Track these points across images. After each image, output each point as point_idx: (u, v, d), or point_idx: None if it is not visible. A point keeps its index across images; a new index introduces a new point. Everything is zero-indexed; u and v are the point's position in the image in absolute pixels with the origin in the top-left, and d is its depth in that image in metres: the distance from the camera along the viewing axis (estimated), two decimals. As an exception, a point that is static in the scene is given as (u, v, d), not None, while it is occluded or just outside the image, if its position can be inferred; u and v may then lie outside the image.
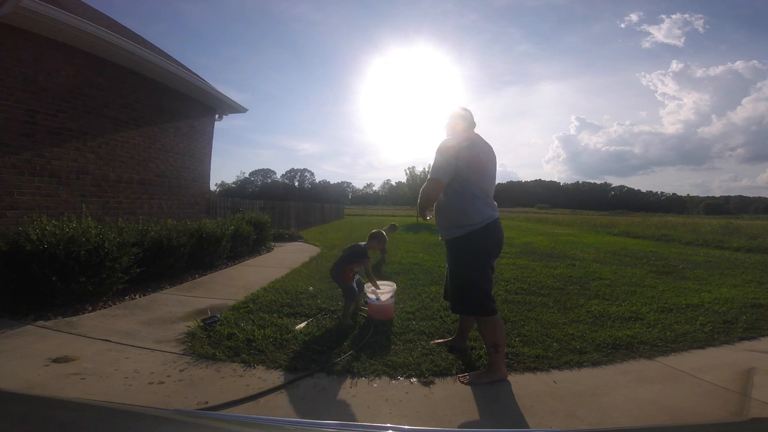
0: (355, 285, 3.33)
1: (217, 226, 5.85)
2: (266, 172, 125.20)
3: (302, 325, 3.09)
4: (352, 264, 3.34)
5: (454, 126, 2.47)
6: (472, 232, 2.25)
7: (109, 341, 2.71)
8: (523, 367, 2.40)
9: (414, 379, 2.24)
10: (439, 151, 2.28)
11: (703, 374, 2.33)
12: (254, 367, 2.35)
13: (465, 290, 2.28)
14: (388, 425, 1.48)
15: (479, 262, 2.27)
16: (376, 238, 3.54)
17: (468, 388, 2.16)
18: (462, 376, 2.26)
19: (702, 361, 2.57)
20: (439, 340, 2.78)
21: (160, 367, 2.32)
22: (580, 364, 2.46)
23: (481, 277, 2.27)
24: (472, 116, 2.49)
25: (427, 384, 2.18)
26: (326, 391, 2.10)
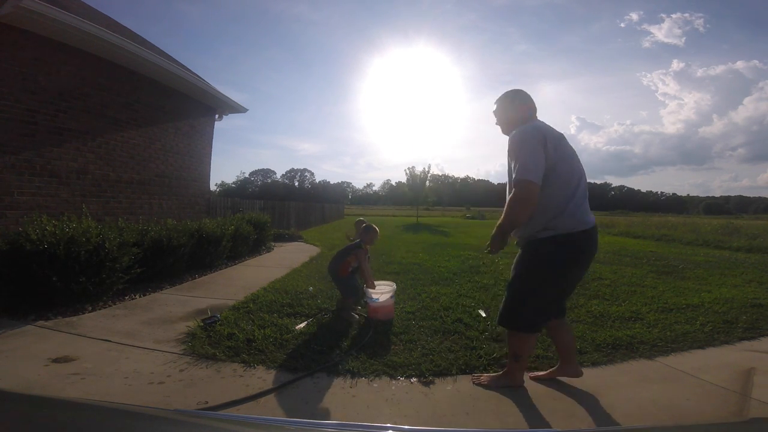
0: (353, 281, 3.39)
1: (217, 226, 5.85)
2: (266, 172, 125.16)
3: (302, 325, 3.09)
4: (348, 257, 3.44)
5: (521, 108, 2.09)
6: (555, 236, 1.92)
7: (109, 341, 2.71)
8: (523, 367, 2.40)
9: (414, 379, 2.24)
10: (522, 142, 1.88)
11: (703, 374, 2.33)
12: (254, 367, 2.35)
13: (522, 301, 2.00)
14: (388, 425, 1.48)
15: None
16: (368, 230, 3.57)
17: (468, 387, 2.15)
18: (476, 377, 2.22)
19: (702, 361, 2.57)
20: (540, 374, 2.26)
21: (160, 367, 2.32)
22: (580, 364, 2.45)
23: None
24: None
25: (427, 384, 2.18)
26: (326, 391, 2.10)
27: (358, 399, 2.02)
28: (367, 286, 3.32)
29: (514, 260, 2.08)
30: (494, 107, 2.21)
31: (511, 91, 2.17)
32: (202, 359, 2.45)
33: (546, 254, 1.92)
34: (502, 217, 1.93)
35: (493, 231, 1.97)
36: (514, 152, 1.89)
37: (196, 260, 5.29)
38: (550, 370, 2.26)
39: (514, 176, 1.85)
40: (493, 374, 2.24)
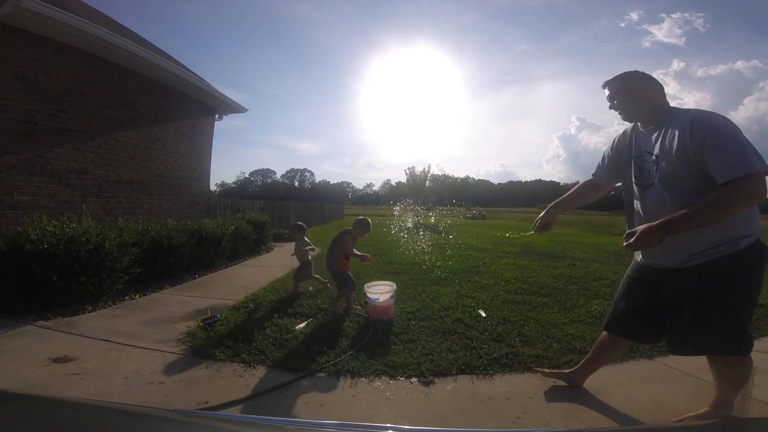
0: (351, 275, 3.56)
1: (217, 226, 5.85)
2: (266, 172, 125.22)
3: (302, 325, 3.09)
4: (339, 246, 3.59)
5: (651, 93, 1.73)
6: (751, 246, 1.58)
7: (109, 341, 2.71)
8: (523, 367, 2.40)
9: (414, 379, 2.23)
10: (733, 132, 1.51)
11: (703, 374, 2.32)
12: (254, 367, 2.35)
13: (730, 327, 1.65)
14: (388, 425, 1.49)
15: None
16: (361, 223, 3.70)
17: (468, 387, 2.15)
18: (690, 418, 1.85)
19: (702, 361, 2.52)
20: (546, 371, 2.26)
21: (160, 367, 2.32)
22: (579, 363, 2.45)
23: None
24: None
25: (427, 384, 2.18)
26: (326, 391, 2.10)
27: (358, 399, 2.02)
28: (344, 252, 3.58)
29: (695, 286, 1.67)
30: (619, 87, 1.78)
31: (641, 72, 1.78)
32: (202, 359, 2.45)
33: (746, 264, 1.60)
34: (695, 212, 1.45)
35: (659, 223, 1.49)
36: (725, 140, 1.49)
37: (196, 260, 5.29)
38: (559, 371, 2.25)
39: (738, 167, 1.43)
40: (707, 410, 1.88)
